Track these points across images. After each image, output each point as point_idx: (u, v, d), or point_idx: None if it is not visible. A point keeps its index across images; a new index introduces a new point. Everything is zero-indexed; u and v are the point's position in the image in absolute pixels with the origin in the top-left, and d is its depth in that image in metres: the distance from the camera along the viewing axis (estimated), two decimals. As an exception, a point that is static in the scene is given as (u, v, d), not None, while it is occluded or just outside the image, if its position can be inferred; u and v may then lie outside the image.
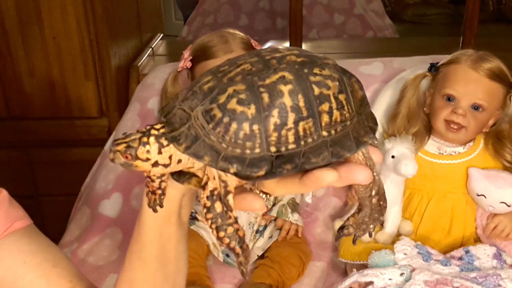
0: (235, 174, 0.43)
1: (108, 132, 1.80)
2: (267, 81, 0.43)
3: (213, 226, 0.46)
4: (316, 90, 0.43)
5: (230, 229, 0.46)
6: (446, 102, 1.39)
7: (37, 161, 1.86)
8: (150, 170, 0.47)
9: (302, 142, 0.43)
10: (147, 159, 0.46)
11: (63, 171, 1.86)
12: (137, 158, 0.46)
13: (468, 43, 2.00)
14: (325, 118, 0.43)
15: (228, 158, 0.43)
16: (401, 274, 1.23)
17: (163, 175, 0.50)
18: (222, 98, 0.43)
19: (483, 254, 1.31)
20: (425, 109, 1.48)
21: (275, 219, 1.50)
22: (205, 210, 0.46)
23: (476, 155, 1.43)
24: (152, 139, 0.46)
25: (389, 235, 1.42)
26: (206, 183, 0.46)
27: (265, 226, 1.51)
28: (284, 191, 0.47)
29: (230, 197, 0.45)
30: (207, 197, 0.45)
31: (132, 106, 1.76)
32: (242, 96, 0.42)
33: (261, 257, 1.49)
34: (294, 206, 1.51)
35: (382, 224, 1.45)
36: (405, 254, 1.29)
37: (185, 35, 3.07)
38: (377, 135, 1.57)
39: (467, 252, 1.32)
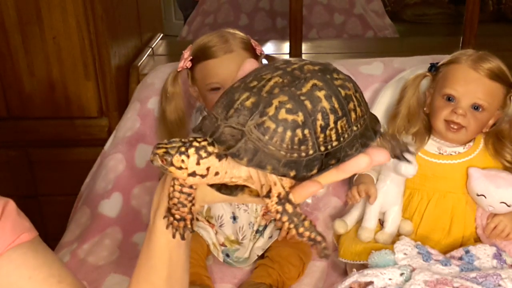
0: (294, 177, 0.47)
1: (108, 132, 1.80)
2: (304, 90, 0.47)
3: (292, 226, 0.50)
4: (343, 92, 0.49)
5: (306, 223, 0.51)
6: (446, 102, 1.39)
7: (37, 160, 1.86)
8: (185, 179, 0.50)
9: (342, 139, 0.49)
10: (181, 168, 0.49)
11: (63, 170, 1.86)
12: (171, 164, 0.49)
13: (468, 43, 2.00)
14: (353, 115, 0.49)
15: (288, 163, 0.47)
16: (401, 274, 1.23)
17: (191, 187, 0.53)
18: (271, 110, 0.46)
19: (483, 254, 1.31)
20: (425, 109, 1.48)
21: (275, 219, 1.50)
22: (278, 216, 0.49)
23: (476, 155, 1.43)
24: (192, 150, 0.49)
25: (389, 235, 1.42)
26: (269, 191, 0.49)
27: (265, 226, 1.51)
28: (325, 181, 0.51)
29: (291, 196, 0.49)
30: (276, 203, 0.49)
31: (132, 106, 1.76)
32: (289, 106, 0.46)
33: (261, 257, 1.49)
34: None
35: (382, 224, 1.46)
36: (405, 254, 1.29)
37: (185, 35, 3.07)
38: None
39: (467, 252, 1.32)
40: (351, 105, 0.49)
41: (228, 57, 1.42)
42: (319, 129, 0.47)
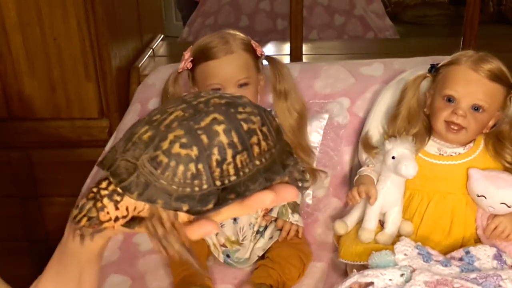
0: (188, 212, 0.47)
1: (108, 133, 1.80)
2: (203, 124, 0.47)
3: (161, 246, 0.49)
4: (245, 126, 0.48)
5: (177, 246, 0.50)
6: (446, 103, 1.39)
7: (37, 162, 1.86)
8: (114, 226, 0.50)
9: (241, 173, 0.48)
10: (110, 219, 0.49)
11: (63, 172, 1.86)
12: (101, 223, 0.49)
13: (469, 44, 2.00)
14: (256, 149, 0.49)
15: (180, 198, 0.46)
16: (402, 275, 1.23)
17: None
18: (165, 145, 0.46)
19: (483, 255, 1.31)
20: (425, 110, 1.48)
21: (276, 220, 1.50)
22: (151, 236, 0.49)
23: (476, 156, 1.43)
24: (106, 200, 0.49)
25: (390, 235, 1.42)
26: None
27: (266, 227, 1.51)
28: (226, 216, 0.51)
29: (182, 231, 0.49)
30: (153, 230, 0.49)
31: (133, 107, 1.76)
32: (184, 140, 0.46)
33: (262, 257, 1.49)
34: (294, 207, 1.51)
35: (382, 225, 1.46)
36: (405, 254, 1.29)
37: (186, 36, 3.07)
38: (378, 136, 1.58)
39: (467, 252, 1.32)
40: (254, 139, 0.49)
41: (229, 58, 1.42)
42: (214, 163, 0.47)
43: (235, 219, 1.47)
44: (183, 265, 1.40)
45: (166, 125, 0.47)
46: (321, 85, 1.73)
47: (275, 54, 2.22)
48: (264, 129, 0.50)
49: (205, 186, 0.47)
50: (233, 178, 0.48)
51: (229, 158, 0.48)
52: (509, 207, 1.36)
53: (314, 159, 1.58)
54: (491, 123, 1.43)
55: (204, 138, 0.47)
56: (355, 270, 1.30)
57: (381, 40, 3.04)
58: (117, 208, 0.49)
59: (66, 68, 1.73)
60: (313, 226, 1.61)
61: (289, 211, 1.49)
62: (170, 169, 0.47)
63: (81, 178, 1.76)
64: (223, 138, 0.47)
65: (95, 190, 0.50)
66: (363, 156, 1.57)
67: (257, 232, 1.50)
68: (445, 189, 1.43)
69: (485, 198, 1.37)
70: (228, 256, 1.49)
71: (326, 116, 1.65)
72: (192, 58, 1.46)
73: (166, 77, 1.56)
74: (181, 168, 0.47)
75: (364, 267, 1.32)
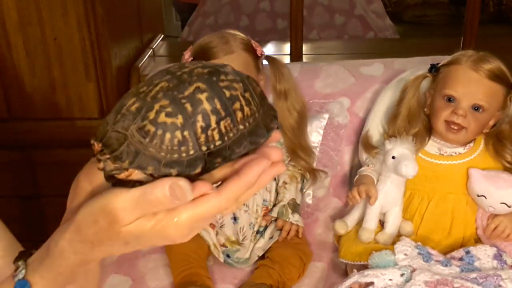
0: (177, 176, 0.50)
1: (109, 133, 1.80)
2: (186, 93, 0.50)
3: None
4: (227, 93, 0.51)
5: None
6: (446, 102, 1.40)
7: (38, 162, 1.86)
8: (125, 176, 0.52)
9: (226, 138, 0.51)
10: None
11: (64, 171, 1.85)
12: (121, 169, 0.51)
13: (469, 44, 2.00)
14: (239, 115, 0.51)
15: (168, 163, 0.49)
16: (402, 275, 1.24)
17: None
18: (152, 115, 0.49)
19: (483, 254, 1.32)
20: (425, 109, 1.48)
21: (276, 220, 1.50)
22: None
23: (476, 155, 1.43)
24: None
25: (390, 235, 1.42)
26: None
27: (266, 227, 1.51)
28: (219, 178, 0.53)
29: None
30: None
31: (133, 107, 1.76)
32: (169, 109, 0.49)
33: (262, 257, 1.49)
34: (294, 206, 1.51)
35: (382, 225, 1.46)
36: (405, 254, 1.29)
37: (186, 36, 3.07)
38: (378, 136, 1.58)
39: (467, 252, 1.32)
40: (236, 105, 0.51)
41: (229, 58, 1.42)
42: (199, 130, 0.50)
43: (235, 219, 1.47)
44: (183, 265, 1.40)
45: (152, 96, 0.50)
46: (321, 85, 1.73)
47: (275, 54, 2.22)
48: (247, 95, 0.53)
49: (191, 152, 0.49)
50: (218, 143, 0.50)
51: (213, 124, 0.50)
52: (509, 207, 1.36)
53: (314, 159, 1.58)
54: (491, 123, 1.43)
55: (188, 106, 0.49)
56: (355, 270, 1.30)
57: (381, 40, 3.04)
58: None
59: (66, 68, 1.73)
60: (313, 226, 1.61)
61: (289, 211, 1.49)
62: (157, 137, 0.49)
63: (81, 178, 1.76)
64: (206, 106, 0.50)
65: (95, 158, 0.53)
66: (363, 156, 1.57)
67: (257, 232, 1.50)
68: (445, 189, 1.43)
69: (485, 198, 1.37)
70: (228, 256, 1.49)
71: (326, 116, 1.65)
72: (192, 58, 1.46)
73: (166, 77, 1.56)
74: (168, 136, 0.49)
75: (364, 267, 1.32)
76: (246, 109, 0.52)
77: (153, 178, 0.51)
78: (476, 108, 1.37)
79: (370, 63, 1.78)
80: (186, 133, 0.49)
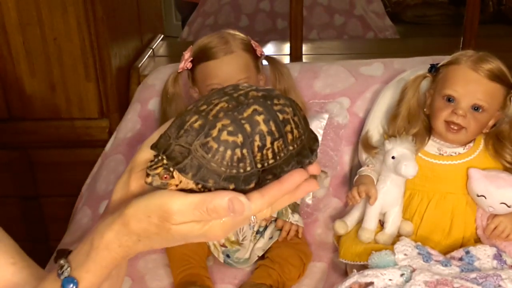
0: (233, 190, 0.54)
1: (108, 133, 1.80)
2: (245, 115, 0.55)
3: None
4: (280, 116, 0.56)
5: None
6: (446, 103, 1.40)
7: (37, 162, 1.86)
8: (176, 186, 0.56)
9: (278, 157, 0.56)
10: (175, 179, 0.56)
11: (63, 172, 1.86)
12: (172, 177, 0.56)
13: (468, 44, 2.00)
14: (289, 136, 0.57)
15: (227, 178, 0.54)
16: (402, 275, 1.24)
17: None
18: (215, 132, 0.54)
19: (483, 254, 1.32)
20: (425, 110, 1.48)
21: (276, 220, 1.50)
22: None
23: (476, 155, 1.43)
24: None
25: (390, 235, 1.42)
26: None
27: (266, 227, 1.51)
28: (267, 193, 0.56)
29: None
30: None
31: (133, 107, 1.76)
32: (230, 128, 0.54)
33: (262, 257, 1.49)
34: (294, 207, 1.51)
35: (382, 225, 1.46)
36: (405, 254, 1.29)
37: (186, 36, 3.07)
38: (378, 136, 1.58)
39: (467, 252, 1.32)
40: (288, 128, 0.57)
41: (229, 58, 1.42)
42: (256, 149, 0.55)
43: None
44: (183, 265, 1.40)
45: (213, 115, 0.55)
46: (321, 85, 1.73)
47: (275, 54, 2.22)
48: (296, 118, 0.58)
49: (248, 168, 0.54)
50: (271, 161, 0.55)
51: (268, 144, 0.55)
52: (509, 207, 1.36)
53: (314, 159, 1.58)
54: (491, 123, 1.43)
55: (247, 127, 0.54)
56: (355, 270, 1.30)
57: (381, 40, 3.04)
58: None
59: (66, 68, 1.73)
60: (313, 226, 1.61)
61: (289, 211, 1.49)
62: (219, 154, 0.54)
63: (81, 178, 1.76)
64: (263, 127, 0.55)
65: (155, 160, 0.56)
66: (363, 156, 1.57)
67: (257, 232, 1.50)
68: (445, 189, 1.43)
69: (485, 198, 1.37)
70: (228, 256, 1.49)
71: (326, 116, 1.65)
72: (192, 58, 1.46)
73: (166, 77, 1.56)
74: (228, 152, 0.54)
75: (364, 267, 1.33)
76: (295, 131, 0.57)
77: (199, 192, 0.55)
78: (476, 108, 1.37)
79: (370, 63, 1.78)
80: (244, 151, 0.54)
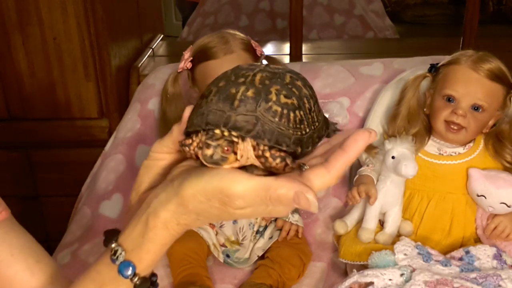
0: (300, 153, 0.54)
1: (108, 133, 1.80)
2: (287, 80, 0.55)
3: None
4: (308, 86, 0.57)
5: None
6: (446, 102, 1.40)
7: (37, 162, 1.86)
8: (237, 161, 0.53)
9: (320, 118, 0.57)
10: (237, 153, 0.53)
11: (63, 171, 1.86)
12: (233, 152, 0.53)
13: (468, 43, 2.00)
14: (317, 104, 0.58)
15: (295, 141, 0.53)
16: (401, 275, 1.24)
17: None
18: (273, 97, 0.53)
19: (483, 254, 1.32)
20: (425, 109, 1.48)
21: (275, 220, 1.50)
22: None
23: (476, 155, 1.43)
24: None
25: (389, 235, 1.42)
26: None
27: (265, 227, 1.51)
28: (322, 152, 0.56)
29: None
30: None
31: (133, 106, 1.76)
32: (284, 92, 0.54)
33: (262, 257, 1.49)
34: (294, 206, 1.51)
35: (382, 225, 1.46)
36: (405, 254, 1.29)
37: (186, 36, 3.07)
38: (377, 135, 1.57)
39: (467, 252, 1.32)
40: (315, 94, 0.58)
41: (228, 58, 1.42)
42: (307, 110, 0.55)
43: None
44: (183, 265, 1.40)
45: (260, 83, 0.54)
46: (321, 85, 1.73)
47: (275, 54, 2.22)
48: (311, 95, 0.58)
49: (307, 130, 0.54)
50: (316, 124, 0.56)
51: (313, 107, 0.56)
52: (509, 206, 1.36)
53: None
54: (491, 122, 1.43)
55: (295, 90, 0.54)
56: (355, 270, 1.30)
57: (381, 39, 3.04)
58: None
59: (66, 68, 1.73)
60: (313, 226, 1.61)
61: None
62: (284, 116, 0.53)
63: (81, 178, 1.76)
64: (305, 91, 0.55)
65: (211, 133, 0.53)
66: (363, 155, 1.57)
67: (257, 232, 1.50)
68: (445, 188, 1.43)
69: (485, 197, 1.37)
70: (228, 256, 1.49)
71: (326, 116, 1.65)
72: (191, 58, 1.46)
73: (166, 77, 1.56)
74: (291, 114, 0.53)
75: (364, 267, 1.33)
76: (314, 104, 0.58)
77: (247, 169, 0.53)
78: (475, 108, 1.37)
79: (370, 62, 1.78)
80: (302, 112, 0.54)
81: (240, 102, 0.53)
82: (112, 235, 0.59)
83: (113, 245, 0.57)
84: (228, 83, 0.55)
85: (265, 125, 0.52)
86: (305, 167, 0.53)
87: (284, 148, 0.53)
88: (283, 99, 0.53)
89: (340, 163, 0.51)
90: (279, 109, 0.53)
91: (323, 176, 0.51)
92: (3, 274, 0.71)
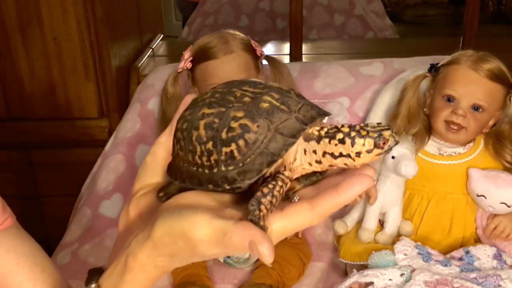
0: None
1: (108, 133, 1.80)
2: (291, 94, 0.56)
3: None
4: None
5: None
6: (446, 102, 1.39)
7: (37, 162, 1.86)
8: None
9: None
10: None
11: (63, 172, 1.86)
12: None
13: (468, 43, 2.00)
14: None
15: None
16: (401, 275, 1.24)
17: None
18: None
19: (483, 254, 1.32)
20: (425, 109, 1.48)
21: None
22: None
23: (476, 155, 1.43)
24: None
25: (390, 235, 1.42)
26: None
27: (266, 227, 1.51)
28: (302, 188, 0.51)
29: None
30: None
31: (133, 106, 1.76)
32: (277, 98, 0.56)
33: (262, 257, 1.49)
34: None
35: (382, 225, 1.46)
36: (405, 254, 1.29)
37: (186, 36, 3.07)
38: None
39: (467, 252, 1.33)
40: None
41: (228, 58, 1.42)
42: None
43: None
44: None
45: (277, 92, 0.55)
46: (320, 85, 1.73)
47: (275, 54, 2.21)
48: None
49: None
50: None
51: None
52: (509, 206, 1.36)
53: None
54: (491, 122, 1.43)
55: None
56: (355, 270, 1.30)
57: (381, 39, 3.04)
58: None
59: (66, 68, 1.72)
60: (313, 226, 1.61)
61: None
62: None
63: (81, 178, 1.76)
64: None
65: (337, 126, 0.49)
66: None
67: (257, 232, 1.50)
68: (445, 189, 1.43)
69: (485, 197, 1.37)
70: (227, 256, 1.49)
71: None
72: (191, 58, 1.46)
73: (166, 77, 1.56)
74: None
75: (364, 267, 1.33)
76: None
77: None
78: (475, 108, 1.37)
79: (370, 63, 1.78)
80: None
81: (279, 111, 0.52)
82: (94, 274, 0.58)
83: (92, 286, 0.57)
84: (264, 94, 0.56)
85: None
86: (295, 198, 0.48)
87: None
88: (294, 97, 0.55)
89: (327, 204, 0.46)
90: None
91: (304, 212, 0.46)
92: (8, 284, 0.71)
